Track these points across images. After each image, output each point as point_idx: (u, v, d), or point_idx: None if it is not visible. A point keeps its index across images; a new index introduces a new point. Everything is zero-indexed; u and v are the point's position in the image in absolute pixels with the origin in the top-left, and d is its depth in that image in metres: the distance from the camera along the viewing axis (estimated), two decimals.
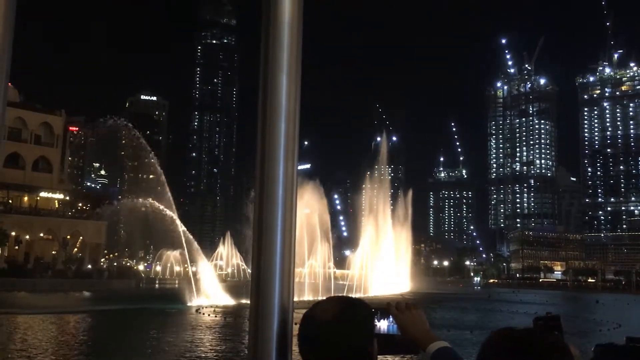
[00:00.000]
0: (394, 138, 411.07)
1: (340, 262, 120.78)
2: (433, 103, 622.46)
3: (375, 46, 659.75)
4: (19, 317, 40.28)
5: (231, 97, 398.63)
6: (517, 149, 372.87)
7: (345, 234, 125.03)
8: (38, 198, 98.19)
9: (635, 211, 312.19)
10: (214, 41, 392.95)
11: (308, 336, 2.06)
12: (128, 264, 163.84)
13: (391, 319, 2.34)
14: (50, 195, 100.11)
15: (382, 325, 2.31)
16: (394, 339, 2.30)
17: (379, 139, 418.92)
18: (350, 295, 2.38)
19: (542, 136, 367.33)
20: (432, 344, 2.24)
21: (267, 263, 2.05)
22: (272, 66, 2.11)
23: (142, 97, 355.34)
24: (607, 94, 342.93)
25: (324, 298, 2.25)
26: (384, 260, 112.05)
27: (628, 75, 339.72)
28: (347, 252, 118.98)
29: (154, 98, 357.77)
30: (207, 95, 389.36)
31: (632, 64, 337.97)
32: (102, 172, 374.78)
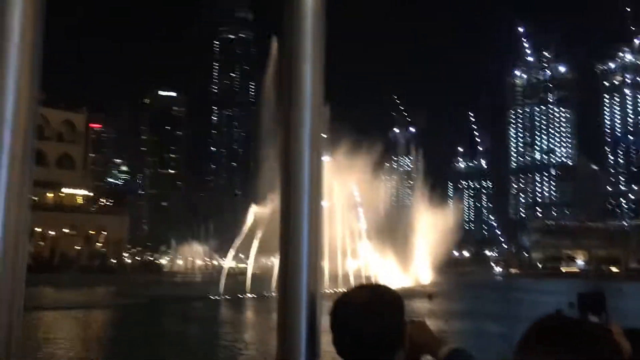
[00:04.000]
0: (412, 129, 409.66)
1: (359, 253, 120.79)
2: (451, 93, 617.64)
3: (392, 37, 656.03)
4: (46, 312, 41.10)
5: (248, 92, 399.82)
6: (537, 138, 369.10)
7: (364, 226, 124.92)
8: (62, 194, 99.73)
9: None
10: (231, 36, 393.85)
11: (342, 322, 2.08)
12: (150, 258, 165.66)
13: None
14: (73, 191, 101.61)
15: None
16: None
17: (396, 130, 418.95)
18: (379, 283, 2.41)
19: (562, 124, 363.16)
20: (444, 348, 2.25)
21: (295, 254, 2.04)
22: (295, 56, 2.08)
23: (160, 92, 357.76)
24: (628, 81, 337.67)
25: (355, 286, 2.28)
26: (403, 252, 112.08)
27: None
28: (365, 244, 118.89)
29: (173, 94, 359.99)
30: (225, 90, 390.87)
31: None
32: (124, 168, 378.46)
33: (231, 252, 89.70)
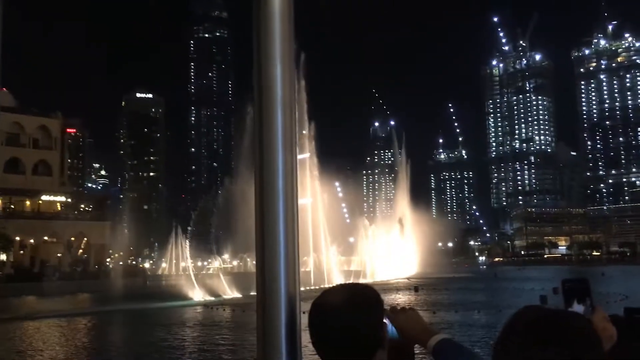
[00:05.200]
0: (392, 122, 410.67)
1: (345, 248, 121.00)
2: (430, 85, 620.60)
3: (369, 30, 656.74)
4: (28, 322, 40.40)
5: (227, 90, 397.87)
6: (516, 127, 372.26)
7: (347, 220, 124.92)
8: (40, 202, 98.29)
9: (637, 182, 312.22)
10: (207, 35, 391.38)
11: (318, 323, 2.07)
12: (134, 262, 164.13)
13: (388, 322, 2.34)
14: (51, 198, 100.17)
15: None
16: (390, 342, 2.31)
17: (377, 123, 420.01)
18: (358, 282, 2.41)
19: (540, 112, 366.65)
20: (433, 338, 2.27)
21: (271, 254, 2.04)
22: (265, 56, 2.11)
23: (138, 95, 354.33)
24: (603, 66, 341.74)
25: (333, 285, 2.27)
26: (387, 245, 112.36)
27: (623, 47, 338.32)
28: (351, 239, 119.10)
29: (150, 95, 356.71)
30: (203, 90, 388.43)
31: (627, 35, 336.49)
32: (103, 173, 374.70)
33: (216, 253, 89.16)
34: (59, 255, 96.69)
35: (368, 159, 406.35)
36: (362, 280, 78.44)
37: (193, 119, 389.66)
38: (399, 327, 2.35)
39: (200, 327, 36.29)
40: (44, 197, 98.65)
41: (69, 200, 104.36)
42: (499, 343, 1.70)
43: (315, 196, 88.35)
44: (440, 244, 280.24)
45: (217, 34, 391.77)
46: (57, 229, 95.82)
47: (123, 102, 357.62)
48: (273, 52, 2.10)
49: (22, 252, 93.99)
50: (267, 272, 2.04)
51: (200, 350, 26.65)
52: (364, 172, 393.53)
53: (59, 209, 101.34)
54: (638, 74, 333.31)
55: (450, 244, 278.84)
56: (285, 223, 2.06)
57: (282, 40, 2.11)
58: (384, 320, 2.23)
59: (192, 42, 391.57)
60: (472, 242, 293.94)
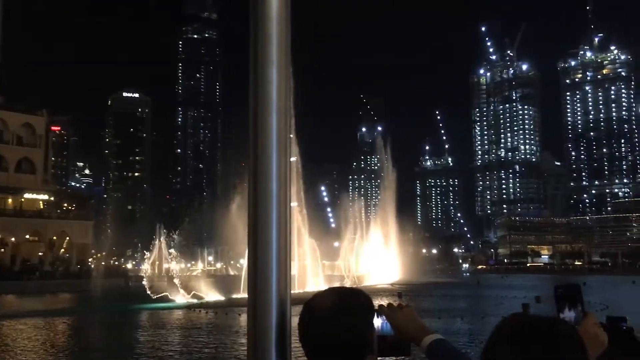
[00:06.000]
0: (379, 128, 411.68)
1: (329, 253, 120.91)
2: (417, 92, 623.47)
3: (357, 37, 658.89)
4: (6, 321, 39.79)
5: (214, 92, 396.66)
6: (502, 135, 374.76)
7: (333, 225, 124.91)
8: (22, 199, 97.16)
9: (620, 193, 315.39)
10: (195, 36, 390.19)
11: (308, 326, 2.07)
12: (116, 263, 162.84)
13: (384, 319, 2.37)
14: (34, 196, 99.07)
15: (375, 325, 2.31)
16: (387, 339, 2.33)
17: (364, 129, 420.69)
18: (351, 286, 2.41)
19: (526, 121, 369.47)
20: (427, 338, 2.29)
21: (264, 257, 2.05)
22: (261, 60, 2.12)
23: (124, 94, 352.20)
24: (588, 78, 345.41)
25: (323, 289, 2.27)
26: (372, 251, 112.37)
27: (609, 59, 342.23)
28: (336, 244, 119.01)
29: (137, 95, 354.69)
30: (190, 91, 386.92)
31: (612, 47, 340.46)
32: (87, 172, 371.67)
33: (199, 255, 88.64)
34: (40, 254, 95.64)
35: (354, 164, 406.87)
36: (346, 285, 78.30)
37: (180, 119, 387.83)
38: (394, 324, 2.36)
39: (181, 329, 35.96)
40: (27, 195, 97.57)
41: (52, 198, 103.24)
42: (486, 351, 1.71)
43: (300, 200, 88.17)
44: (424, 251, 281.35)
45: (206, 35, 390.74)
46: (39, 227, 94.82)
47: (109, 101, 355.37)
48: (269, 56, 2.11)
49: (2, 250, 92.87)
50: (259, 274, 2.05)
51: (182, 353, 26.39)
52: (350, 177, 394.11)
53: (42, 207, 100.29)
54: (623, 86, 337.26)
55: (434, 251, 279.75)
56: (278, 226, 2.07)
57: (279, 44, 2.13)
58: (377, 319, 2.24)
59: (180, 42, 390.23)
60: (456, 250, 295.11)
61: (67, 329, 38.63)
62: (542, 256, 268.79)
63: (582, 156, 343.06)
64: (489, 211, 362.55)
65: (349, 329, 2.05)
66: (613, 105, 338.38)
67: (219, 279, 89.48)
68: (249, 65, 2.14)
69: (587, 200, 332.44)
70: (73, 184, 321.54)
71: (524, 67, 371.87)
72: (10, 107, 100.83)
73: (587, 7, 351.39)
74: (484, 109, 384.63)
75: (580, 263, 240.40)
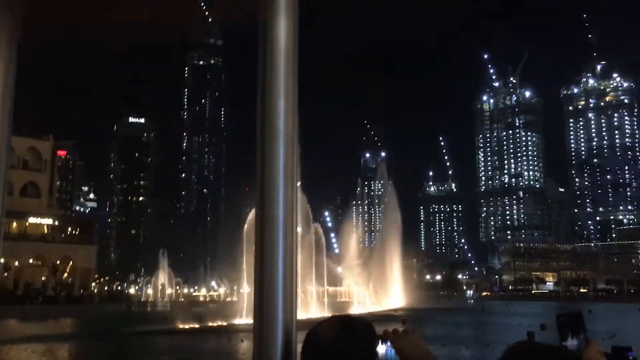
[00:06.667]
0: (383, 154, 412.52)
1: (333, 279, 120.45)
2: (421, 118, 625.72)
3: (362, 64, 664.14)
4: (8, 345, 39.66)
5: (220, 118, 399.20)
6: (505, 162, 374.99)
7: (337, 250, 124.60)
8: (27, 224, 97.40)
9: (624, 220, 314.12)
10: (201, 62, 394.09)
11: (311, 355, 2.08)
12: (119, 287, 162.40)
13: (389, 345, 2.36)
14: (39, 220, 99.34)
15: (380, 351, 2.31)
16: None
17: (367, 155, 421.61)
18: (351, 314, 2.42)
19: (530, 148, 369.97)
20: None
21: (270, 284, 2.07)
22: (269, 91, 2.16)
23: (130, 119, 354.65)
24: (591, 105, 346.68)
25: (326, 317, 2.29)
26: (376, 277, 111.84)
27: (612, 86, 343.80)
28: (339, 269, 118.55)
29: (142, 120, 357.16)
30: (196, 116, 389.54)
31: (615, 75, 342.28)
32: (91, 196, 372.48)
33: (202, 281, 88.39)
34: (43, 278, 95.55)
35: (358, 189, 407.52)
36: (350, 311, 77.84)
37: (185, 144, 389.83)
38: (399, 349, 2.34)
39: (184, 353, 35.78)
40: (31, 219, 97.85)
41: (56, 223, 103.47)
42: None
43: (303, 225, 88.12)
44: (428, 277, 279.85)
45: (212, 61, 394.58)
46: (43, 251, 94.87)
47: (115, 127, 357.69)
48: (277, 86, 2.15)
49: (6, 274, 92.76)
50: (265, 300, 2.07)
51: None
52: (354, 202, 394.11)
53: (46, 231, 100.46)
54: (626, 113, 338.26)
55: (438, 277, 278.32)
56: (284, 254, 2.09)
57: (286, 75, 2.16)
58: (382, 345, 2.23)
59: (186, 68, 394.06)
60: (460, 276, 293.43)
61: (68, 355, 38.49)
62: (547, 283, 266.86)
63: (586, 183, 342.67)
64: (492, 237, 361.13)
65: (353, 357, 2.06)
66: (616, 132, 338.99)
67: (221, 304, 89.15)
68: (257, 95, 2.18)
69: (591, 227, 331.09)
70: (78, 208, 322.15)
71: (527, 94, 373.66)
72: (16, 131, 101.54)
73: (590, 35, 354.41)
74: (487, 135, 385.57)
75: (585, 290, 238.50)
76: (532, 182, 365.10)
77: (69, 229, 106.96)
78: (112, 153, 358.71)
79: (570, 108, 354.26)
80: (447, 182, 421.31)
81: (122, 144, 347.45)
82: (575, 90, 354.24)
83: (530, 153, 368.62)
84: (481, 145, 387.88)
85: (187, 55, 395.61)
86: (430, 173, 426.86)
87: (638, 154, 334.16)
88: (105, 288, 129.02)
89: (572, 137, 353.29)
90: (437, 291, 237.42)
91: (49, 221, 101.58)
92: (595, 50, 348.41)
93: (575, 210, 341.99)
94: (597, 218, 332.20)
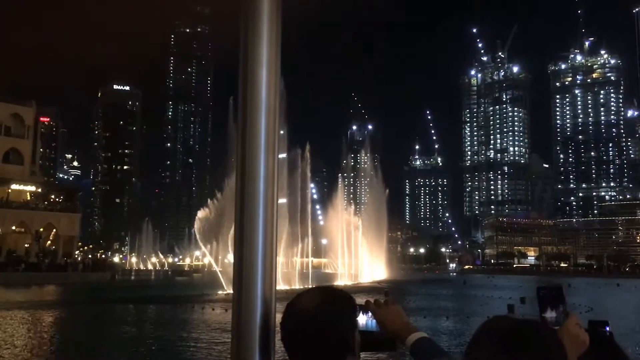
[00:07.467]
0: (370, 127, 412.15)
1: (317, 250, 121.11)
2: (408, 92, 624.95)
3: (350, 36, 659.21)
4: None
5: (206, 87, 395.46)
6: (491, 137, 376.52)
7: (321, 222, 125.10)
8: (9, 190, 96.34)
9: (606, 197, 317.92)
10: (188, 30, 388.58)
11: (290, 326, 2.08)
12: (103, 256, 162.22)
13: (370, 315, 2.37)
14: (21, 187, 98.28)
15: (361, 321, 2.33)
16: (373, 335, 2.33)
17: (354, 127, 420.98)
18: (332, 286, 2.47)
19: (516, 123, 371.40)
20: (412, 335, 2.30)
21: (249, 256, 2.06)
22: (251, 60, 2.12)
23: (115, 87, 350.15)
24: (578, 82, 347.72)
25: (307, 288, 2.27)
26: (360, 249, 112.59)
27: (599, 63, 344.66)
28: (324, 241, 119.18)
29: (127, 88, 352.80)
30: (181, 85, 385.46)
31: (602, 52, 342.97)
32: (75, 164, 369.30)
33: (187, 250, 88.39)
34: (26, 245, 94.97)
35: (344, 162, 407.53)
36: (334, 283, 78.44)
37: (170, 113, 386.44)
38: (380, 320, 2.37)
39: (167, 324, 35.88)
40: (14, 186, 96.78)
41: (39, 190, 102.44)
42: (468, 354, 1.73)
43: (289, 197, 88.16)
44: (412, 250, 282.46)
45: (199, 29, 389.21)
46: (26, 218, 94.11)
47: (99, 93, 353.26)
48: (259, 56, 2.11)
49: None
50: (245, 271, 2.06)
51: (167, 348, 26.36)
52: (340, 174, 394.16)
53: (29, 198, 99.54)
54: (612, 90, 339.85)
55: (422, 250, 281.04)
56: (264, 225, 2.08)
57: (269, 44, 2.13)
58: (363, 315, 2.27)
59: (172, 36, 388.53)
60: (443, 249, 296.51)
61: (52, 321, 38.44)
62: (529, 257, 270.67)
63: (570, 159, 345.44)
64: (476, 212, 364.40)
65: (330, 329, 2.07)
66: (602, 109, 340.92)
67: (204, 274, 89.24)
68: (239, 65, 2.15)
69: (574, 203, 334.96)
70: (61, 175, 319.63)
71: (515, 69, 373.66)
72: None
73: (579, 11, 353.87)
74: (474, 110, 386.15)
75: (566, 265, 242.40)
76: (517, 158, 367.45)
77: (52, 197, 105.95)
78: (96, 120, 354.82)
79: (557, 84, 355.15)
80: (433, 155, 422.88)
81: (106, 112, 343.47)
82: (563, 66, 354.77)
83: (516, 128, 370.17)
84: (468, 119, 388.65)
85: (172, 22, 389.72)
86: (417, 147, 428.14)
87: (622, 131, 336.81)
88: (89, 256, 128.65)
89: (558, 113, 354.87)
90: (420, 264, 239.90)
91: (32, 188, 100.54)
92: (584, 27, 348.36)
93: (559, 186, 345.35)
94: (580, 194, 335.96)
